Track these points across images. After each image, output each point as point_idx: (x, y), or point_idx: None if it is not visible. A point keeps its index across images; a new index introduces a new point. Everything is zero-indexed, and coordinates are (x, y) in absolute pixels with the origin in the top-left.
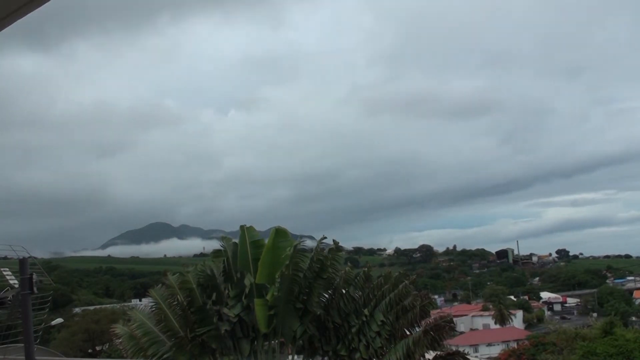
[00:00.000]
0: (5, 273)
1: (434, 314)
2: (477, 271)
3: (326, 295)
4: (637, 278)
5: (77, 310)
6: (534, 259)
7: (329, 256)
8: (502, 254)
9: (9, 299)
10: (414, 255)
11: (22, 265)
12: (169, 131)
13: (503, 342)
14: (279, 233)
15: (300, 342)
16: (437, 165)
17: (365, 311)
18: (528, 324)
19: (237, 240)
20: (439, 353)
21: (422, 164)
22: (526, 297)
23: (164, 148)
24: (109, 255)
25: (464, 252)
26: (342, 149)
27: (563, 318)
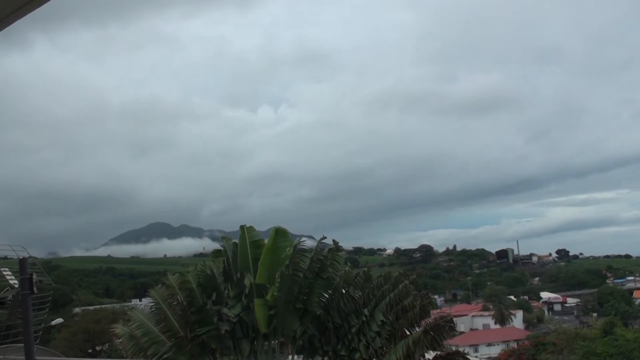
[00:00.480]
0: (5, 273)
1: (434, 314)
2: (477, 271)
3: (326, 295)
4: (637, 278)
5: (77, 310)
6: (534, 259)
7: (329, 256)
8: (502, 254)
9: (9, 299)
10: (414, 255)
11: (22, 265)
12: (194, 129)
13: (503, 342)
14: (279, 233)
15: (300, 342)
16: (458, 164)
17: (365, 311)
18: (528, 324)
19: (237, 240)
20: (439, 353)
21: (441, 162)
22: (526, 297)
23: (188, 146)
24: (109, 255)
25: (464, 252)
26: (369, 148)
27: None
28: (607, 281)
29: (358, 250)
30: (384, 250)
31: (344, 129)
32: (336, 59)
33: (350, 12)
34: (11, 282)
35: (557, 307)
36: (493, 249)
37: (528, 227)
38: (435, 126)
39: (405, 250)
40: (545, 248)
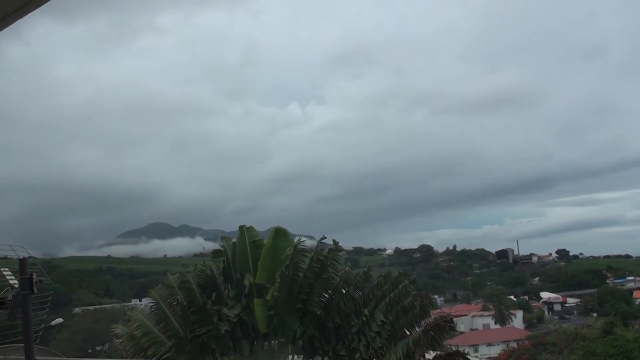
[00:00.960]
0: (5, 273)
1: (434, 314)
2: (477, 271)
3: (326, 295)
4: (637, 278)
5: (77, 310)
6: (534, 259)
7: (329, 256)
8: (502, 254)
9: (9, 299)
10: (414, 255)
11: (22, 265)
12: (221, 127)
13: (503, 342)
14: (279, 233)
15: (300, 342)
16: (475, 162)
17: (365, 311)
18: (528, 324)
19: (236, 240)
20: (439, 353)
21: (459, 162)
22: (526, 297)
23: (214, 144)
24: (109, 255)
25: (464, 252)
26: (393, 147)
27: (562, 318)
28: (607, 281)
29: (358, 250)
30: (384, 250)
31: (372, 128)
32: (366, 55)
33: (377, 6)
34: (11, 282)
35: (557, 307)
36: (498, 249)
37: (533, 227)
38: (460, 124)
39: (405, 250)
40: (549, 248)
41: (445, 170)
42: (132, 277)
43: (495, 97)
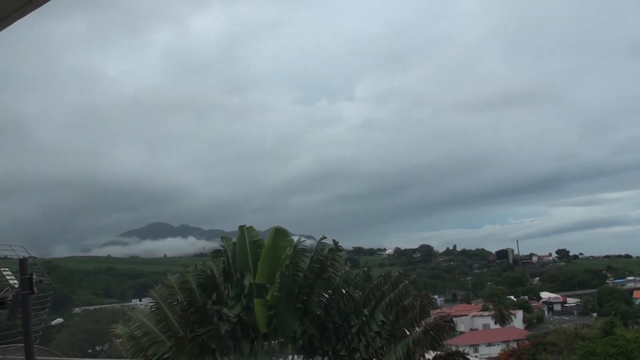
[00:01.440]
0: (5, 273)
1: (434, 314)
2: (477, 271)
3: (326, 295)
4: (637, 278)
5: (77, 310)
6: (534, 259)
7: (329, 256)
8: (502, 254)
9: (9, 299)
10: (414, 255)
11: (22, 265)
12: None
13: (503, 342)
14: (279, 233)
15: (300, 342)
16: (490, 161)
17: (365, 311)
18: (528, 324)
19: (236, 240)
20: (439, 353)
21: (475, 161)
22: (526, 297)
23: (240, 142)
24: (109, 255)
25: (464, 252)
26: (414, 146)
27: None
28: (607, 281)
29: (358, 250)
30: (384, 250)
31: (400, 127)
32: (395, 52)
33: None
34: (11, 282)
35: (557, 307)
36: (499, 248)
37: (536, 227)
38: (488, 122)
39: (405, 250)
40: (550, 248)
41: (462, 170)
42: (132, 277)
43: (525, 94)
